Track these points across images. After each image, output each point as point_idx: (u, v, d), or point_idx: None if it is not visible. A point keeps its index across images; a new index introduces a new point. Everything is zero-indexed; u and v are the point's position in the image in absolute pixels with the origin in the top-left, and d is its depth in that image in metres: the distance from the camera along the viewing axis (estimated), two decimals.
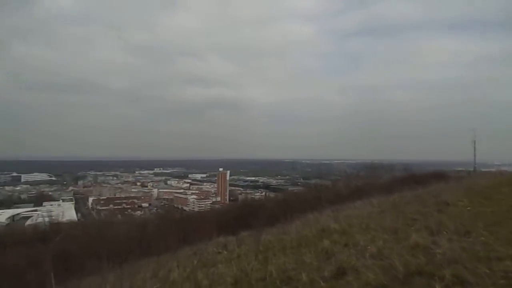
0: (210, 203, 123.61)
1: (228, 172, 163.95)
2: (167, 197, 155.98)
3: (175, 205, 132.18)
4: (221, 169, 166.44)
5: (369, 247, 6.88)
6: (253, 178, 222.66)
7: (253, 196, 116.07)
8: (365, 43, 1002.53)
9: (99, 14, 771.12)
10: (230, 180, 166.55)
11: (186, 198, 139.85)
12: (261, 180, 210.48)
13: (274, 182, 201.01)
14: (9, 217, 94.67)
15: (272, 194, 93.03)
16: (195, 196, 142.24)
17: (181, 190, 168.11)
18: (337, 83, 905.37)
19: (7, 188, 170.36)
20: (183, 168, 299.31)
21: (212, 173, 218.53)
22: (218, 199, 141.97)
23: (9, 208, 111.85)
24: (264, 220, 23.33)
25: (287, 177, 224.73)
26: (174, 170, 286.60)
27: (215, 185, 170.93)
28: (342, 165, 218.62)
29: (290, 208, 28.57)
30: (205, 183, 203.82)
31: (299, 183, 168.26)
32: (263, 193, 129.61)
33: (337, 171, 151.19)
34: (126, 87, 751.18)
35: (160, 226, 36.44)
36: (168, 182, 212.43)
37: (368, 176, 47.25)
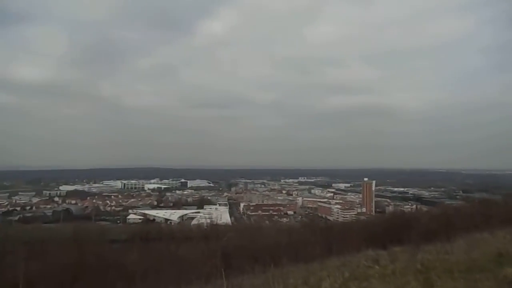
0: (355, 214, 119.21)
1: (374, 182, 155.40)
2: (311, 205, 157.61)
3: (319, 214, 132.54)
4: (366, 179, 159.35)
5: None
6: (401, 189, 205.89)
7: (402, 208, 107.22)
8: None
9: (248, 35, 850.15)
10: (376, 191, 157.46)
11: (330, 208, 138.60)
12: (411, 192, 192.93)
13: (427, 194, 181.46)
14: (179, 217, 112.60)
15: (424, 208, 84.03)
16: (339, 206, 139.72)
17: (325, 200, 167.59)
18: (503, 81, 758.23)
19: (177, 192, 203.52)
20: (326, 177, 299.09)
21: (357, 182, 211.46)
22: (364, 210, 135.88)
23: (179, 209, 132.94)
24: (418, 236, 21.19)
25: (442, 189, 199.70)
26: (318, 179, 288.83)
27: (360, 195, 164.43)
28: None
29: (450, 224, 25.18)
30: (349, 193, 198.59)
31: (457, 197, 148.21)
32: (414, 206, 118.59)
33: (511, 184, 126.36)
34: (272, 100, 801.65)
35: (306, 234, 37.09)
36: (312, 191, 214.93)
37: None
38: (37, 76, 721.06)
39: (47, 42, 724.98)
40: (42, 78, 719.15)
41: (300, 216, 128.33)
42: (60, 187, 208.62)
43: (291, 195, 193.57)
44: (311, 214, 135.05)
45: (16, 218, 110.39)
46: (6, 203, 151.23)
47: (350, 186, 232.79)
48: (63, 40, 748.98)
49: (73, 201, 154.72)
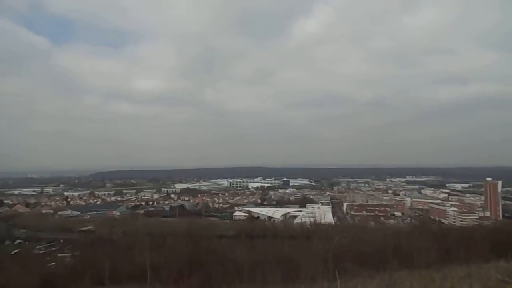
0: (476, 218, 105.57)
1: (500, 182, 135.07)
2: (421, 207, 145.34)
3: (432, 217, 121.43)
4: (489, 179, 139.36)
5: None
6: None
7: None
8: None
9: (345, 31, 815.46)
10: (503, 192, 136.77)
11: (445, 210, 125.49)
12: None
13: None
14: (282, 215, 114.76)
15: None
16: (455, 209, 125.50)
17: (438, 201, 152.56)
18: None
19: (280, 190, 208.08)
20: (438, 177, 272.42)
21: (477, 183, 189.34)
22: (487, 214, 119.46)
23: (282, 207, 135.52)
24: None
25: None
26: (429, 179, 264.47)
27: (482, 197, 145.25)
28: None
29: None
30: (467, 194, 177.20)
31: None
32: None
33: None
34: (373, 96, 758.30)
35: (417, 238, 34.24)
36: (422, 191, 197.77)
37: None
38: (153, 87, 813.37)
39: (159, 56, 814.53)
40: (156, 88, 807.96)
41: (409, 218, 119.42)
42: (175, 185, 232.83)
43: (398, 195, 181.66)
44: (421, 216, 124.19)
45: (142, 212, 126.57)
46: (134, 198, 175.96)
47: (469, 186, 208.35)
48: (172, 53, 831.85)
49: (186, 198, 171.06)
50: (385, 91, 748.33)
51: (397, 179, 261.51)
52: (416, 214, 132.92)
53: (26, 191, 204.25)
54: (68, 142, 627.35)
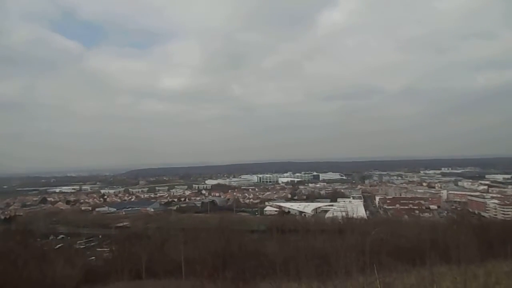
0: None
1: None
2: (458, 200, 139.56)
3: (470, 210, 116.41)
4: None
5: None
6: None
7: None
8: None
9: (372, 20, 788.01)
10: None
11: (485, 203, 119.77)
12: None
13: None
14: (313, 209, 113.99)
15: None
16: (496, 201, 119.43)
17: (477, 193, 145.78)
18: None
19: (310, 185, 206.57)
20: (477, 168, 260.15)
21: None
22: None
23: (312, 202, 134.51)
24: None
25: None
26: (466, 170, 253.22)
27: None
28: None
29: None
30: (509, 186, 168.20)
31: None
32: None
33: None
34: (404, 86, 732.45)
35: (456, 232, 33.08)
36: (459, 183, 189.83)
37: None
38: (179, 84, 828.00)
39: (185, 54, 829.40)
40: (183, 85, 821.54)
41: (445, 211, 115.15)
42: (206, 181, 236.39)
43: (433, 187, 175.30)
44: (459, 209, 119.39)
45: (174, 208, 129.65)
46: (166, 195, 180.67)
47: (511, 177, 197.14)
48: (198, 50, 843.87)
49: (217, 194, 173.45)
50: (418, 80, 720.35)
51: (431, 171, 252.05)
52: (453, 207, 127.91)
53: (66, 189, 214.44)
54: (102, 141, 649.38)
